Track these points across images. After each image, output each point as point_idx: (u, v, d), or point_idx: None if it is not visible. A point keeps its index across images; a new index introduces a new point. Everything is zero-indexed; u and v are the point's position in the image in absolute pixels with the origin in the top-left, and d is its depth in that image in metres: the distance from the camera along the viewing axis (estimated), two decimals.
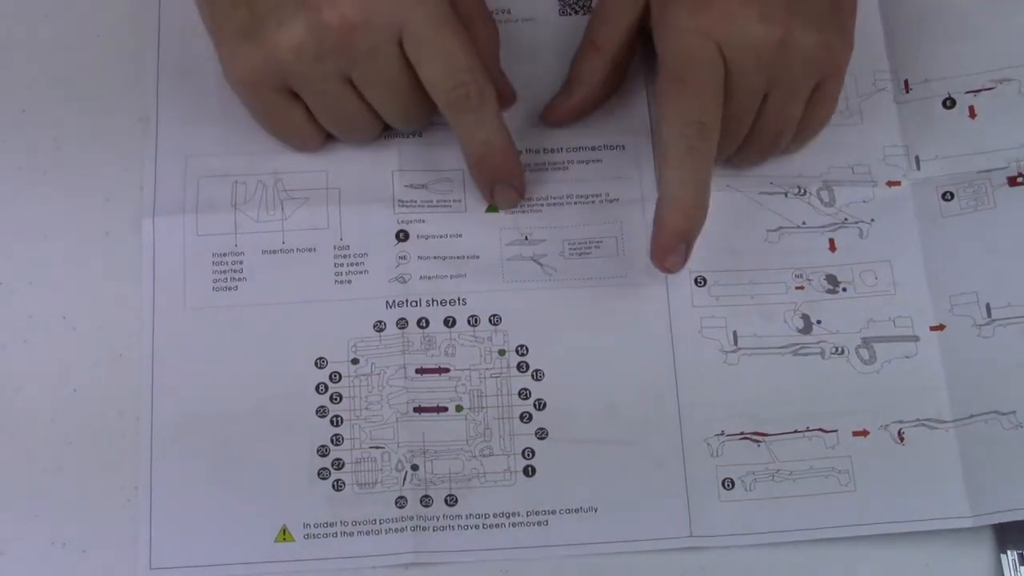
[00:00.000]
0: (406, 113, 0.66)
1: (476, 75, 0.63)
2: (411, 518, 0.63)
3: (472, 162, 0.66)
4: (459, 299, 0.67)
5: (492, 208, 0.69)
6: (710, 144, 0.62)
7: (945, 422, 0.65)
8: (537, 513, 0.64)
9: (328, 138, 0.68)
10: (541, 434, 0.65)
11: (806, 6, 0.62)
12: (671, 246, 0.63)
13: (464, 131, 0.65)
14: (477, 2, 0.67)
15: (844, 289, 0.68)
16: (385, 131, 0.68)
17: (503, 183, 0.67)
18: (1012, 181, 0.68)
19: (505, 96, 0.68)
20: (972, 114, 0.70)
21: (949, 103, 0.70)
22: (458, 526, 0.63)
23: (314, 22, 0.60)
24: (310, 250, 0.67)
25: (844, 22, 0.65)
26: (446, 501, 0.64)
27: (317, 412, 0.65)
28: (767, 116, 0.65)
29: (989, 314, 0.66)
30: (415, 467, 0.64)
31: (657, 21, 0.65)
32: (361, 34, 0.61)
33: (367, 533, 0.63)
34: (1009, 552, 0.64)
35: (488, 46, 0.67)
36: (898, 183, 0.69)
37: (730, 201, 0.69)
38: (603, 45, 0.67)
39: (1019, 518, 0.63)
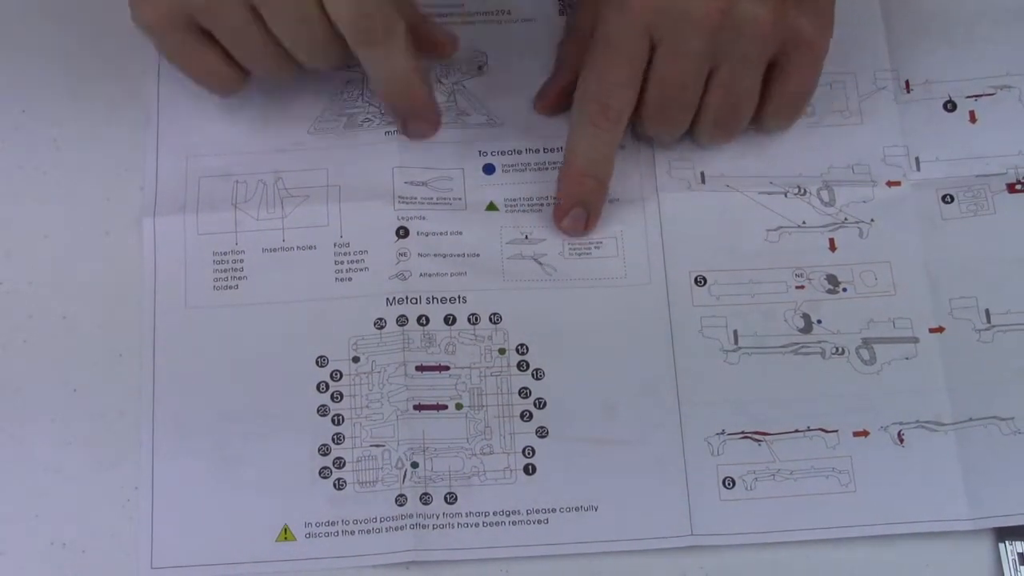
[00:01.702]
0: (315, 48, 0.64)
1: (383, 8, 0.62)
2: (411, 516, 0.63)
3: (381, 96, 0.67)
4: (459, 297, 0.67)
5: (492, 207, 0.69)
6: (612, 123, 0.65)
7: (944, 424, 0.65)
8: (537, 511, 0.64)
9: (249, 81, 0.66)
10: (541, 432, 0.65)
11: None
12: (565, 208, 0.67)
13: (371, 66, 0.64)
14: None
15: (844, 289, 0.67)
16: (301, 71, 0.66)
17: (416, 117, 0.68)
18: (1011, 188, 0.68)
19: (443, 45, 0.69)
20: (972, 119, 0.70)
21: (950, 106, 0.70)
22: (458, 524, 0.63)
23: None
24: (310, 248, 0.67)
25: None
26: (446, 499, 0.64)
27: (318, 411, 0.65)
28: (717, 88, 0.65)
29: (989, 320, 0.66)
30: (415, 465, 0.64)
31: None
32: None
33: (368, 532, 0.63)
34: (1008, 546, 0.63)
35: None
36: (898, 183, 0.69)
37: (730, 201, 0.69)
38: (582, 34, 0.67)
39: (1017, 523, 0.63)
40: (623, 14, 0.63)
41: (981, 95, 0.70)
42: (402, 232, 0.68)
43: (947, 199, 0.68)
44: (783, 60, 0.65)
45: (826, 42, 0.66)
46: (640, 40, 0.63)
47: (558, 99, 0.69)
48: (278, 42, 0.63)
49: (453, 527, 0.63)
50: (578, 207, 0.67)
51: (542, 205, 0.69)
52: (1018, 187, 0.68)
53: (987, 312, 0.66)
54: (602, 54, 0.64)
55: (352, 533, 0.63)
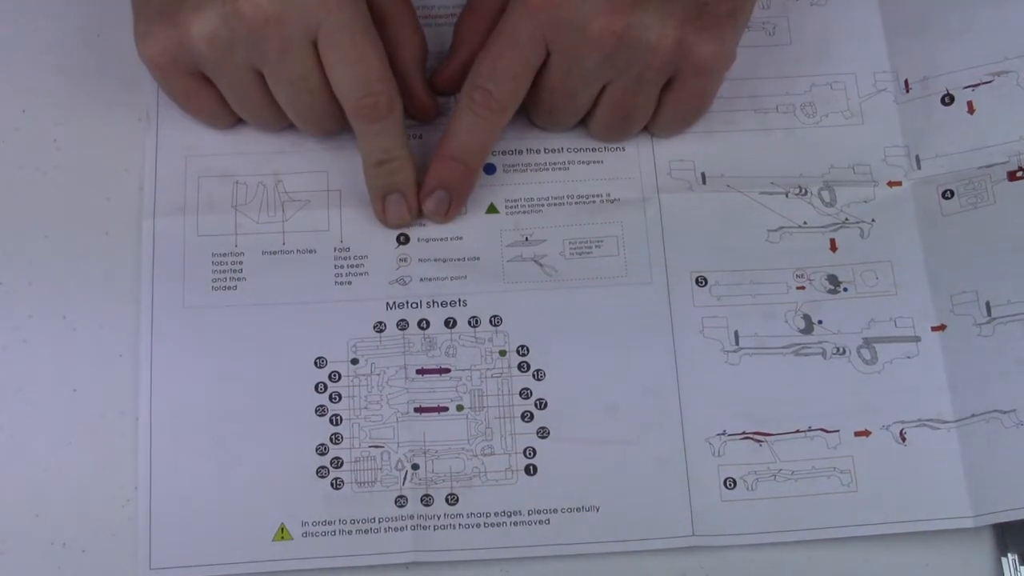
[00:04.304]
0: (311, 116, 0.66)
1: (387, 86, 0.63)
2: (411, 517, 0.63)
3: (369, 166, 0.66)
4: (460, 300, 0.67)
5: (492, 209, 0.68)
6: (494, 113, 0.65)
7: (947, 422, 0.65)
8: (539, 512, 0.63)
9: (241, 119, 0.68)
10: (542, 433, 0.65)
11: (667, 3, 0.62)
12: (429, 190, 0.67)
13: (366, 140, 0.65)
14: (407, 9, 0.67)
15: (845, 289, 0.67)
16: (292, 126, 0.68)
17: (396, 192, 0.66)
18: (1012, 176, 0.68)
19: (427, 109, 0.69)
20: (971, 109, 0.70)
21: (948, 99, 0.70)
22: (459, 525, 0.63)
23: (229, 12, 0.61)
24: (310, 252, 0.67)
25: (718, 25, 0.64)
26: (447, 500, 0.63)
27: (316, 411, 0.64)
28: (608, 101, 0.66)
29: (989, 312, 0.66)
30: (415, 466, 0.64)
31: None
32: (274, 29, 0.61)
33: (366, 532, 0.63)
34: (1010, 555, 0.63)
35: (414, 56, 0.67)
36: (899, 183, 0.69)
37: (731, 201, 0.69)
38: (481, 10, 0.68)
39: (1020, 517, 0.63)
40: (524, 14, 0.63)
41: (978, 84, 0.70)
42: (403, 238, 0.68)
43: (947, 194, 0.68)
44: (679, 81, 0.65)
45: (724, 69, 0.66)
46: (537, 43, 0.63)
47: (456, 75, 0.68)
48: (274, 103, 0.65)
49: (454, 528, 0.63)
50: (442, 190, 0.67)
51: (543, 206, 0.69)
52: (1019, 174, 0.68)
53: (987, 305, 0.66)
54: (499, 45, 0.64)
55: (350, 533, 0.63)
